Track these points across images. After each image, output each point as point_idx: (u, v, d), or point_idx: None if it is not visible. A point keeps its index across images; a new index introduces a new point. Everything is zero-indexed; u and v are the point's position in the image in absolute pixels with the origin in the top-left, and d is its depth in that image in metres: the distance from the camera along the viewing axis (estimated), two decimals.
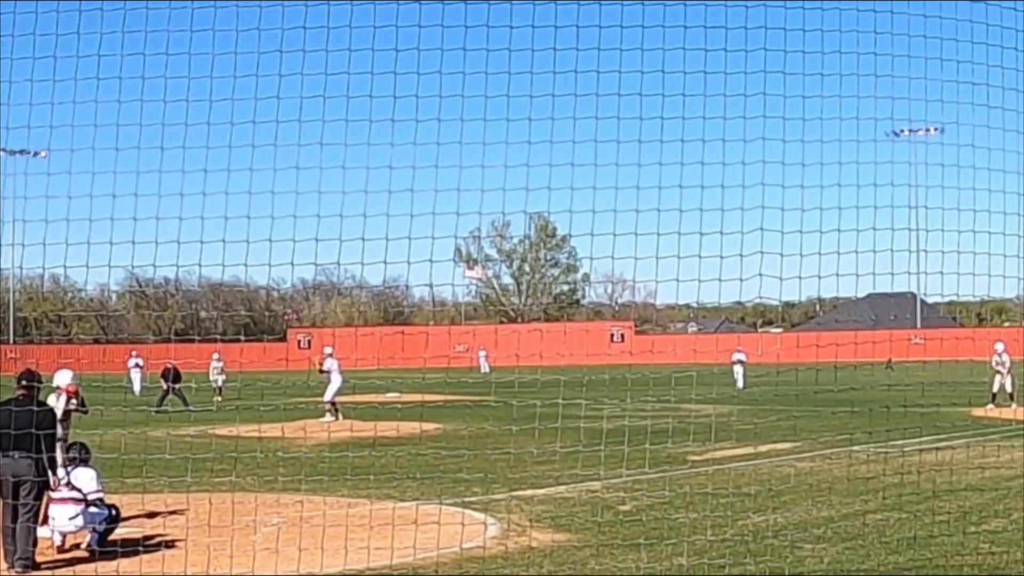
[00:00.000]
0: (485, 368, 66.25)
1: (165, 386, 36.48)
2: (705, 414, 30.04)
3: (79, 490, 12.27)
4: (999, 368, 32.58)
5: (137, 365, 46.15)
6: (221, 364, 42.24)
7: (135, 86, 10.60)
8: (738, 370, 45.67)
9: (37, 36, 10.51)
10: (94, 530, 12.25)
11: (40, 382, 11.97)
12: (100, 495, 12.51)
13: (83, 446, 13.02)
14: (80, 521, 12.19)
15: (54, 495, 12.14)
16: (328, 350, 32.32)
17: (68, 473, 12.41)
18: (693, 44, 10.83)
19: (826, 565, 11.02)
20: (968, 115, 11.71)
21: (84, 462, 12.71)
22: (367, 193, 10.87)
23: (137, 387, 44.07)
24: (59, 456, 12.36)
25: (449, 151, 11.07)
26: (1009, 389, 32.19)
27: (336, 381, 30.50)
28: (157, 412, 32.79)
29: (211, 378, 42.13)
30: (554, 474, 17.00)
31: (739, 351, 46.80)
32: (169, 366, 37.30)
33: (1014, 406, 30.63)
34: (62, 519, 12.10)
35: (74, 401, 13.77)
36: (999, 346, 33.04)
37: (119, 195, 10.78)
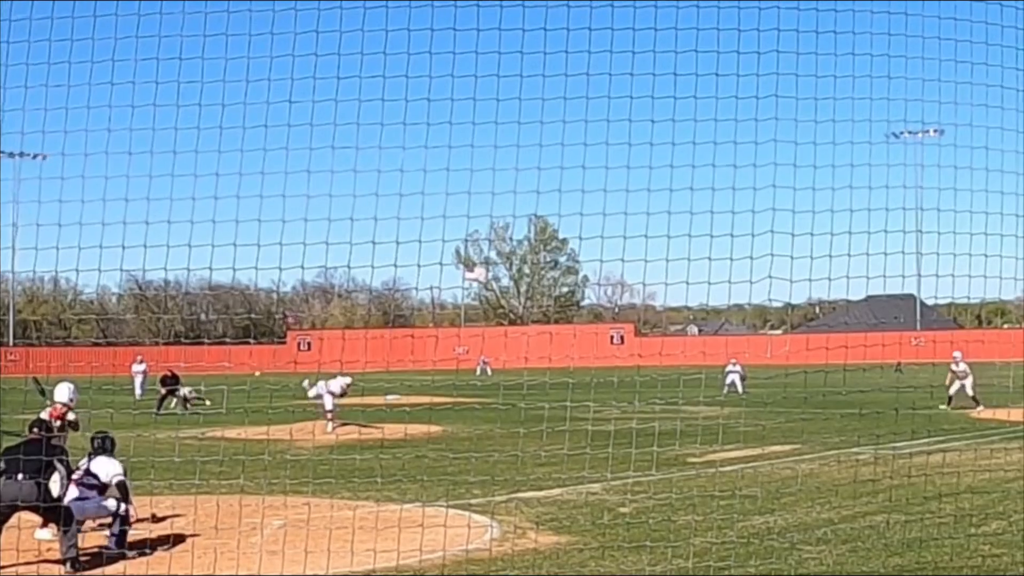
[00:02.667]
0: (487, 372, 66.15)
1: (163, 390, 36.53)
2: (707, 416, 30.08)
3: (95, 477, 12.34)
4: (957, 374, 34.22)
5: (143, 371, 46.04)
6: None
7: (148, 91, 10.75)
8: (735, 380, 45.32)
9: (52, 42, 10.64)
10: (111, 535, 12.24)
11: (51, 430, 12.13)
12: (122, 478, 12.50)
13: (108, 437, 13.01)
14: (85, 506, 12.15)
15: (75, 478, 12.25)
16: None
17: (89, 460, 12.56)
18: (706, 47, 10.90)
19: (828, 567, 11.07)
20: (968, 115, 11.77)
21: (106, 451, 12.72)
22: (378, 196, 10.97)
23: (139, 391, 44.01)
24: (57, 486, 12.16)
25: (460, 154, 11.16)
26: (970, 392, 33.53)
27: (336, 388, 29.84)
28: (158, 415, 32.98)
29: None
30: (556, 476, 17.06)
31: (734, 363, 46.47)
32: (168, 373, 37.31)
33: (980, 408, 31.99)
34: (67, 499, 12.00)
35: (58, 422, 13.64)
36: (957, 354, 34.77)
37: (131, 199, 10.89)
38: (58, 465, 11.59)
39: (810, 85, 11.13)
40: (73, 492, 12.13)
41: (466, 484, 16.72)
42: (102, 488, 12.41)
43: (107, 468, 12.52)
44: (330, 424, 28.66)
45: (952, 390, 33.79)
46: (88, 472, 12.45)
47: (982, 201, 11.77)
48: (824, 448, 22.25)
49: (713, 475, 17.82)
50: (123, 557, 11.79)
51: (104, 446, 12.83)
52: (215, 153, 10.74)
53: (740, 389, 44.31)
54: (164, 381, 37.08)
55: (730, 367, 46.17)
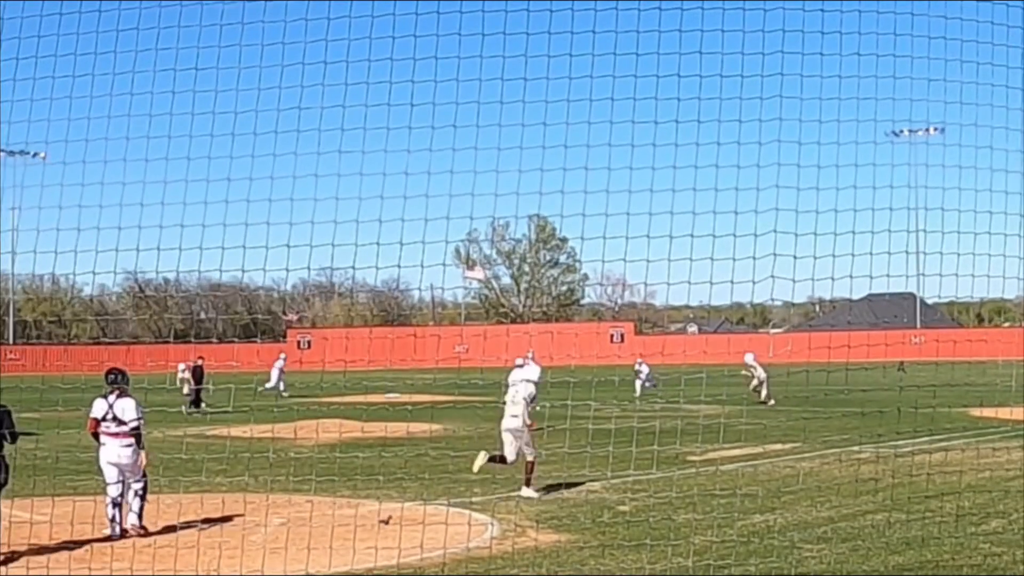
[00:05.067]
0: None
1: (194, 386, 36.16)
2: (707, 414, 30.10)
3: (125, 423, 12.90)
4: (753, 374, 37.72)
5: (281, 366, 46.31)
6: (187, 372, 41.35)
7: (165, 100, 11.06)
8: (642, 381, 43.74)
9: (77, 56, 11.00)
10: (133, 511, 12.96)
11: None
12: (140, 422, 13.05)
13: (122, 374, 13.33)
14: (131, 455, 12.87)
15: (105, 429, 12.90)
16: None
17: (111, 406, 12.99)
18: (710, 48, 10.97)
19: (828, 565, 11.11)
20: (969, 114, 11.78)
21: (124, 392, 13.15)
22: (383, 199, 11.14)
23: (274, 384, 44.83)
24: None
25: (463, 156, 11.31)
26: (764, 391, 36.91)
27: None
28: (198, 413, 33.16)
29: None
30: (556, 474, 17.11)
31: (640, 363, 45.34)
32: (197, 363, 37.07)
33: (771, 402, 35.65)
34: (115, 451, 12.85)
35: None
36: (749, 357, 38.36)
37: (146, 204, 11.19)
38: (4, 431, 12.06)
39: (815, 85, 11.18)
40: (121, 442, 12.86)
41: (467, 482, 16.78)
42: (133, 432, 13.01)
43: (129, 412, 13.02)
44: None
45: (752, 386, 37.02)
46: (115, 418, 12.94)
47: (983, 200, 11.80)
48: (824, 447, 22.29)
49: (713, 473, 17.88)
50: (129, 553, 12.00)
51: (117, 381, 13.18)
52: (227, 159, 11.12)
53: (638, 391, 42.30)
54: (195, 373, 36.68)
55: (638, 367, 44.55)
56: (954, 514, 13.45)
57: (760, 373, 37.53)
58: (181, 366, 40.82)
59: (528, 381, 16.82)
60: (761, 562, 11.15)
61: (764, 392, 36.80)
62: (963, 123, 11.83)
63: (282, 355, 48.49)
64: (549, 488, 16.42)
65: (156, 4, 10.87)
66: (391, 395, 38.50)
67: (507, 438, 16.36)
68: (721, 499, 14.88)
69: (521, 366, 29.37)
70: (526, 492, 15.76)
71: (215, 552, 11.58)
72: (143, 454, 13.25)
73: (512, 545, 12.33)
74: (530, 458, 16.20)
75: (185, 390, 38.54)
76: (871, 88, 11.49)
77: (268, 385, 44.42)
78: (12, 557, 11.75)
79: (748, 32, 10.90)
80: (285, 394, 43.45)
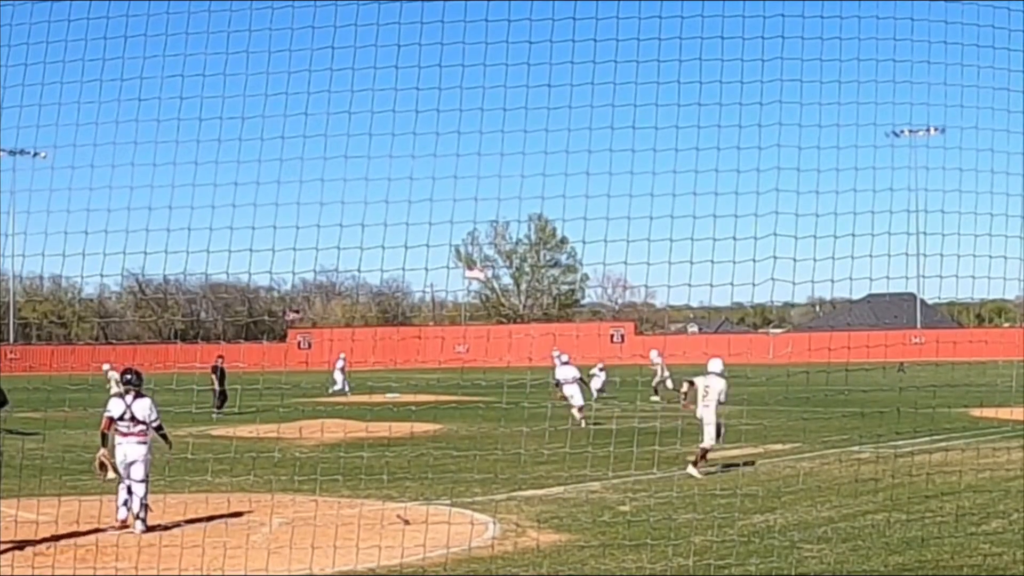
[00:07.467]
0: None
1: (217, 387, 35.70)
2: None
3: (143, 422, 13.20)
4: (656, 369, 40.24)
5: (342, 367, 47.73)
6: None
7: (172, 106, 11.29)
8: (596, 382, 43.91)
9: (86, 62, 11.22)
10: (137, 516, 13.12)
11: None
12: (158, 421, 13.37)
13: (137, 374, 13.62)
14: (145, 453, 13.17)
15: (121, 428, 13.14)
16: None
17: (129, 406, 13.26)
18: (710, 54, 11.09)
19: (828, 565, 11.16)
20: (969, 117, 11.84)
21: (140, 394, 13.44)
22: (387, 203, 11.30)
23: (341, 386, 46.32)
24: None
25: (466, 161, 11.45)
26: (670, 385, 38.56)
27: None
28: (220, 414, 33.13)
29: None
30: (557, 475, 17.17)
31: (600, 367, 45.09)
32: (218, 363, 36.76)
33: (656, 397, 37.83)
34: (129, 449, 13.11)
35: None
36: (654, 353, 41.23)
37: (154, 208, 11.42)
38: None
39: (815, 90, 11.27)
40: (136, 440, 13.11)
41: (468, 482, 16.84)
42: (148, 429, 13.31)
43: (147, 411, 13.33)
44: (578, 413, 28.55)
45: (655, 382, 39.53)
46: (133, 417, 13.22)
47: (983, 202, 11.86)
48: (824, 447, 22.34)
49: (714, 473, 17.92)
50: (135, 552, 12.10)
51: (133, 382, 13.49)
52: (233, 164, 11.29)
53: (594, 393, 42.29)
54: (217, 374, 36.20)
55: (597, 371, 43.49)
56: (954, 514, 13.50)
57: (662, 370, 39.60)
58: (106, 366, 40.12)
59: (717, 376, 18.90)
60: (761, 562, 11.20)
61: (670, 384, 38.15)
62: (963, 126, 11.91)
63: (341, 355, 49.09)
64: (550, 488, 16.47)
65: (163, 12, 10.99)
66: (391, 395, 38.57)
67: (709, 430, 18.49)
68: (721, 499, 14.94)
69: (567, 363, 30.49)
70: (691, 470, 18.01)
71: (219, 551, 11.64)
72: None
73: (513, 545, 12.39)
74: (706, 445, 18.37)
75: (113, 390, 37.76)
76: (871, 92, 11.58)
77: (335, 388, 46.04)
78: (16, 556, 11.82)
79: (747, 39, 11.02)
80: (348, 394, 44.68)
